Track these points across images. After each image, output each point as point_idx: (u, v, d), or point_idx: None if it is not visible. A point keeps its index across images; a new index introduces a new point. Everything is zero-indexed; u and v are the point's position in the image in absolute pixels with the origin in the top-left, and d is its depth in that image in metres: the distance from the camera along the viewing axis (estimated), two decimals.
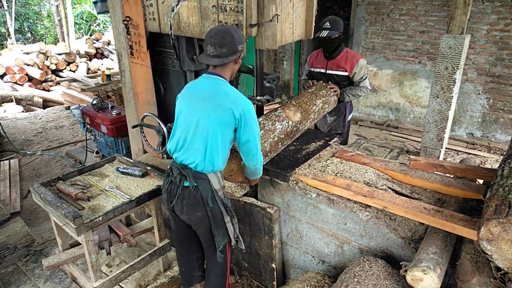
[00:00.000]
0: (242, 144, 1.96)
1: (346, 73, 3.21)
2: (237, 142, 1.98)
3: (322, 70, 3.30)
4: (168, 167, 2.10)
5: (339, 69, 3.22)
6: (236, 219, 2.10)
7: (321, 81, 3.13)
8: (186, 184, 1.98)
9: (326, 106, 2.94)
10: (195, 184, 1.95)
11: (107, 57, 10.27)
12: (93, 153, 4.76)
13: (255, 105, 2.72)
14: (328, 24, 3.01)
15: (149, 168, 2.74)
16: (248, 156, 2.00)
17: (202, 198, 1.96)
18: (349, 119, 3.55)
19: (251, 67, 2.93)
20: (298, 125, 2.54)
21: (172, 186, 2.04)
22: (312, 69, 3.39)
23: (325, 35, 3.01)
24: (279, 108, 2.58)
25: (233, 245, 2.10)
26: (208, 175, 1.97)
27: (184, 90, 2.06)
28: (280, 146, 2.40)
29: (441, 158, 4.52)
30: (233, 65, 1.98)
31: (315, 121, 2.89)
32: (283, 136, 2.39)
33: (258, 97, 2.65)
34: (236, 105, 1.88)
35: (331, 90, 3.04)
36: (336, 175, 2.29)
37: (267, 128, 2.34)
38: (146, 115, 2.80)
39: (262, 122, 2.37)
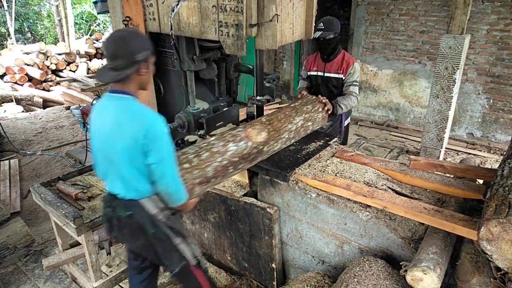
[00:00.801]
0: (150, 167, 1.70)
1: (342, 76, 3.16)
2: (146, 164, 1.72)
3: (320, 73, 3.24)
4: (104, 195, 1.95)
5: (337, 72, 3.16)
6: (191, 239, 1.94)
7: (312, 96, 2.87)
8: (120, 214, 1.81)
9: (310, 124, 2.61)
10: (129, 212, 1.78)
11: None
12: None
13: (255, 105, 2.72)
14: (322, 25, 2.95)
15: None
16: (158, 181, 1.73)
17: (139, 226, 1.79)
18: (346, 124, 3.48)
19: (251, 67, 2.93)
20: (262, 147, 2.23)
21: (109, 215, 1.87)
22: (310, 73, 3.33)
23: (317, 36, 2.93)
24: (241, 126, 2.32)
25: (194, 265, 1.92)
26: (140, 202, 1.77)
27: (92, 113, 1.86)
28: (231, 170, 2.10)
29: (441, 158, 4.52)
30: (136, 76, 1.72)
31: (292, 140, 2.54)
32: (236, 159, 2.09)
33: (258, 97, 2.65)
34: (140, 125, 1.65)
35: (321, 105, 2.76)
36: (336, 175, 2.29)
37: (215, 150, 2.04)
38: None
39: (212, 142, 2.11)
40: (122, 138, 1.67)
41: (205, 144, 2.09)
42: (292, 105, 2.67)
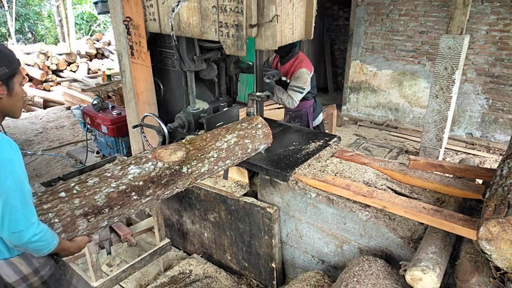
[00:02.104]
0: None
1: (287, 79, 3.17)
2: None
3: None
4: None
5: (286, 75, 3.18)
6: None
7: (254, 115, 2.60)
8: None
9: (248, 141, 2.31)
10: None
11: (107, 58, 10.28)
12: (94, 153, 4.77)
13: (255, 101, 2.71)
14: None
15: None
16: (3, 230, 1.28)
17: None
18: (316, 125, 3.50)
19: (250, 63, 2.94)
20: (178, 167, 1.90)
21: None
22: None
23: None
24: (149, 150, 1.99)
25: None
26: None
27: None
28: (135, 197, 1.72)
29: (440, 158, 4.53)
30: None
31: (228, 161, 2.21)
32: (140, 183, 1.74)
33: (258, 93, 2.66)
34: None
35: (259, 121, 2.48)
36: (335, 175, 2.30)
37: (108, 175, 1.71)
38: (147, 115, 2.81)
39: (106, 167, 1.80)
40: None
41: (95, 171, 1.77)
42: (227, 125, 2.43)
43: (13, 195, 1.27)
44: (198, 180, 2.07)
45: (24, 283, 1.40)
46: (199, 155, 2.03)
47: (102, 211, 1.62)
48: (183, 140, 2.18)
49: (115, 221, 1.74)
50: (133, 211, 1.78)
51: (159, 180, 1.82)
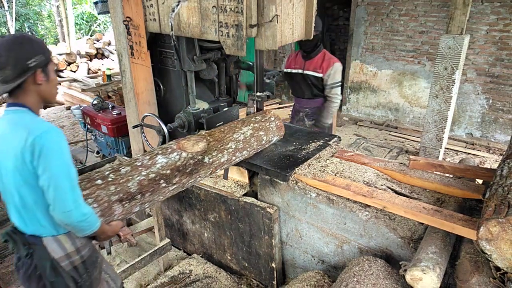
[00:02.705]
0: (43, 190, 1.40)
1: (321, 75, 3.20)
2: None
3: (300, 71, 3.30)
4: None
5: (316, 70, 3.20)
6: None
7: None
8: (20, 252, 1.53)
9: (262, 133, 2.45)
10: (29, 251, 1.50)
11: (107, 58, 10.28)
12: (94, 153, 4.77)
13: (255, 101, 2.71)
14: None
15: None
16: (55, 210, 1.41)
17: (36, 270, 1.51)
18: (330, 122, 3.52)
19: (251, 63, 2.94)
20: (201, 157, 2.03)
21: (14, 251, 1.60)
22: (289, 70, 3.38)
23: None
24: (174, 141, 2.13)
25: None
26: (43, 240, 1.49)
27: None
28: (164, 184, 1.86)
29: (440, 158, 4.53)
30: (33, 86, 1.48)
31: (245, 152, 2.34)
32: (168, 171, 1.87)
33: (258, 93, 2.66)
34: (23, 139, 1.37)
35: (272, 115, 2.65)
36: (335, 175, 2.30)
37: (138, 164, 1.83)
38: (147, 115, 2.81)
39: (136, 157, 1.94)
40: (8, 156, 1.41)
41: (126, 161, 1.91)
42: (241, 119, 2.56)
43: (62, 178, 1.39)
44: (218, 170, 2.19)
45: (67, 259, 1.53)
46: (219, 146, 2.15)
47: (135, 197, 1.73)
48: (202, 132, 2.30)
49: (146, 207, 1.87)
50: (161, 197, 1.90)
51: (184, 169, 1.94)
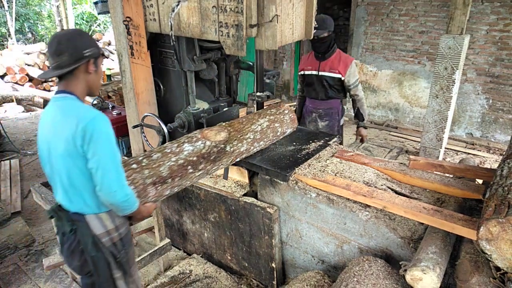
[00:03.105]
0: (92, 172, 1.54)
1: (339, 75, 3.16)
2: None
3: (314, 72, 3.25)
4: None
5: (332, 70, 3.16)
6: (133, 278, 1.76)
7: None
8: (64, 228, 1.67)
9: (277, 125, 2.58)
10: (73, 227, 1.64)
11: (107, 57, 10.28)
12: None
13: (255, 101, 2.71)
14: (315, 24, 2.97)
15: None
16: (101, 190, 1.54)
17: (79, 245, 1.64)
18: (341, 124, 3.51)
19: (251, 63, 2.94)
20: (223, 145, 2.17)
21: (58, 228, 1.75)
22: (304, 72, 3.34)
23: None
24: (197, 130, 2.29)
25: None
26: (86, 217, 1.62)
27: (40, 120, 1.72)
28: (191, 170, 1.99)
29: (440, 158, 4.53)
30: (84, 75, 1.63)
31: (261, 142, 2.47)
32: (194, 158, 2.01)
33: (258, 93, 2.66)
34: (74, 124, 1.50)
35: (286, 107, 2.78)
36: (335, 175, 2.30)
37: (168, 151, 1.98)
38: (147, 115, 2.81)
39: (165, 145, 2.07)
40: (60, 141, 1.53)
41: (157, 148, 2.04)
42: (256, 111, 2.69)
43: (109, 161, 1.53)
44: (238, 159, 2.32)
45: (107, 236, 1.65)
46: (239, 136, 2.28)
47: (166, 181, 1.88)
48: (223, 123, 2.41)
49: (175, 190, 2.00)
50: (188, 182, 2.05)
51: (209, 157, 2.08)
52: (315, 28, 2.90)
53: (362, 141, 3.53)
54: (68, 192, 1.61)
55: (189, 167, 1.99)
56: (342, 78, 3.17)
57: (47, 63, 8.83)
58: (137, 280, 1.80)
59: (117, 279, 1.68)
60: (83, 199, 1.61)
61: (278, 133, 2.61)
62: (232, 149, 2.22)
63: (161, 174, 1.86)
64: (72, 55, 1.57)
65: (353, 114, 3.43)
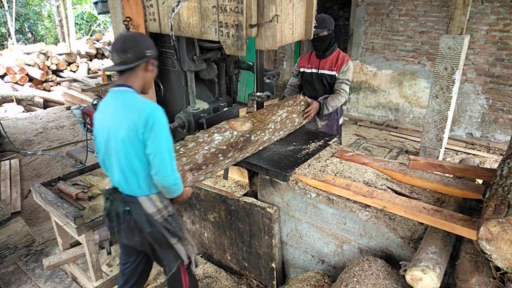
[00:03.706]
0: (148, 158, 1.74)
1: (336, 73, 3.15)
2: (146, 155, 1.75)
3: (314, 70, 3.25)
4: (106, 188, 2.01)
5: (331, 68, 3.16)
6: (187, 240, 1.96)
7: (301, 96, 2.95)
8: (119, 208, 1.85)
9: (295, 116, 2.74)
10: (127, 208, 1.83)
11: (107, 58, 10.28)
12: (94, 153, 4.76)
13: (255, 101, 2.72)
14: (315, 22, 2.92)
15: None
16: (156, 173, 1.74)
17: (136, 224, 1.84)
18: (340, 123, 3.51)
19: (251, 63, 2.94)
20: (248, 135, 2.31)
21: (109, 210, 1.90)
22: (304, 70, 3.34)
23: None
24: (224, 121, 2.39)
25: (185, 265, 1.96)
26: (138, 199, 1.81)
27: (97, 109, 1.91)
28: (221, 158, 2.16)
29: (440, 158, 4.53)
30: (143, 73, 1.83)
31: (281, 132, 2.63)
32: (224, 147, 2.16)
33: (258, 93, 2.66)
34: (137, 114, 1.69)
35: (302, 99, 2.87)
36: (335, 175, 2.30)
37: (201, 140, 2.13)
38: None
39: (197, 135, 2.22)
40: (121, 128, 1.71)
41: (190, 137, 2.19)
42: (273, 103, 2.84)
43: (165, 148, 1.72)
44: (261, 147, 2.49)
45: (159, 214, 1.84)
46: (261, 126, 2.43)
47: (201, 167, 2.06)
48: (246, 115, 2.53)
49: (208, 176, 2.19)
50: (219, 169, 2.24)
51: (236, 145, 2.23)
52: (315, 26, 2.91)
53: (306, 112, 3.01)
54: (126, 174, 1.79)
55: (220, 155, 2.15)
56: (337, 75, 3.17)
57: (47, 63, 8.82)
58: (190, 240, 2.01)
59: (174, 244, 1.89)
60: (138, 180, 1.79)
61: (296, 124, 2.77)
62: (256, 138, 2.37)
63: (197, 161, 2.03)
64: (136, 53, 1.75)
65: (326, 96, 3.16)
